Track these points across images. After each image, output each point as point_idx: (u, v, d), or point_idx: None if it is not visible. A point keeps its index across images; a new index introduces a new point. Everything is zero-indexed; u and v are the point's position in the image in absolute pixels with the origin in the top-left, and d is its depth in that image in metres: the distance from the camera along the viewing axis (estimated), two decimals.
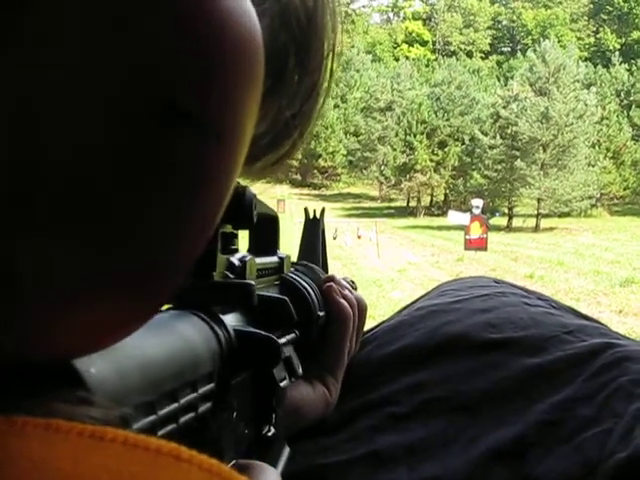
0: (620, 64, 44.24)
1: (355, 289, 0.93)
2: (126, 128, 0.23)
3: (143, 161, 0.24)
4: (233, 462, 0.53)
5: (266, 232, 0.72)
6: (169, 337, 0.43)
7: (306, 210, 0.90)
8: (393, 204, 40.95)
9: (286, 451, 0.64)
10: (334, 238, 18.30)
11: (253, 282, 0.56)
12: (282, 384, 0.60)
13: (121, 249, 0.25)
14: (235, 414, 0.54)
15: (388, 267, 15.04)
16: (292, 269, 0.78)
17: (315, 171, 45.24)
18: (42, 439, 0.23)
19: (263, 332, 0.55)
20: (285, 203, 21.79)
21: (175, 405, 0.41)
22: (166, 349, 0.42)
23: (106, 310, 0.26)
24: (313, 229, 0.89)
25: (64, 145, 0.22)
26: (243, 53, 0.26)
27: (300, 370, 0.66)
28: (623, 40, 73.76)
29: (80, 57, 0.22)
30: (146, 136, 0.24)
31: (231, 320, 0.54)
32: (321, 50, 0.36)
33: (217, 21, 0.25)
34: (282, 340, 0.62)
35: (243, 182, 0.41)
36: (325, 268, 0.89)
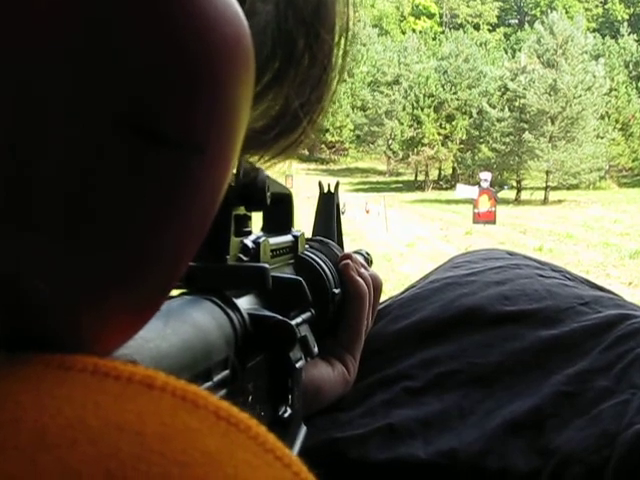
0: (629, 35, 43.85)
1: (371, 261, 0.93)
2: (92, 147, 0.21)
3: (118, 177, 0.22)
4: None
5: (280, 211, 0.72)
6: (183, 327, 0.43)
7: (320, 184, 0.89)
8: (401, 178, 40.89)
9: (303, 431, 0.64)
10: (342, 213, 18.16)
11: (267, 265, 0.55)
12: (298, 364, 0.60)
13: (106, 253, 0.23)
14: (251, 397, 0.53)
15: (397, 241, 14.99)
16: (307, 246, 0.77)
17: (322, 146, 45.15)
18: (4, 373, 0.21)
19: (278, 316, 0.54)
20: (293, 179, 21.73)
21: None
22: (180, 340, 0.41)
23: (109, 308, 0.25)
24: (328, 204, 0.88)
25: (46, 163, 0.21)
26: (228, 62, 0.24)
27: (316, 349, 0.65)
28: (632, 10, 73.06)
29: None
30: (117, 157, 0.22)
31: (245, 304, 0.54)
32: (332, 32, 0.34)
33: (198, 32, 0.22)
34: (298, 320, 0.61)
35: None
36: (340, 243, 0.88)
